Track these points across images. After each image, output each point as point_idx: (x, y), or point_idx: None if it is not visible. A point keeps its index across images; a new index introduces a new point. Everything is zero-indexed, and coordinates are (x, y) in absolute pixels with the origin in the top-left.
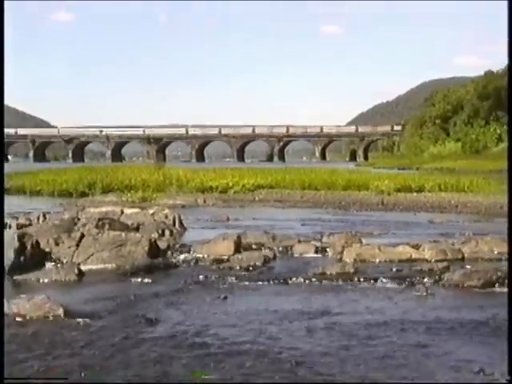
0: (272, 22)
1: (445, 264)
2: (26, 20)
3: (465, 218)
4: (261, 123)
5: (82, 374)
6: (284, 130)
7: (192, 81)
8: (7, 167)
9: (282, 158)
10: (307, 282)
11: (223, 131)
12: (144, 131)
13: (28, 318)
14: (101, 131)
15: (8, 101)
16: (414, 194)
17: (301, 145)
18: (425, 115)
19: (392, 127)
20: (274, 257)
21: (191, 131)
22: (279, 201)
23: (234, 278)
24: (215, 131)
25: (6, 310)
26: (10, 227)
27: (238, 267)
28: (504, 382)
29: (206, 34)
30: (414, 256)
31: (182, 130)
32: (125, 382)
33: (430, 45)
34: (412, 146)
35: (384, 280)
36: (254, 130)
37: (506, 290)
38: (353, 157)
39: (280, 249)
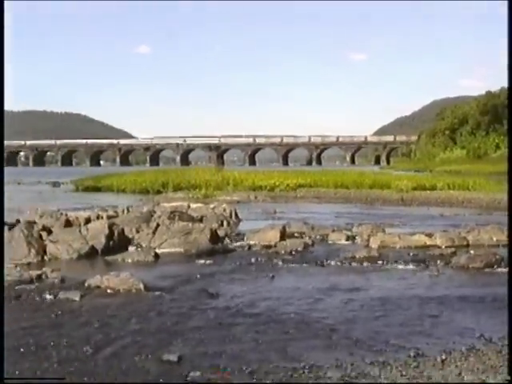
0: (309, 51)
1: (453, 249)
2: (115, 53)
3: (469, 211)
4: (299, 133)
5: (159, 337)
6: (320, 140)
7: (239, 97)
8: (99, 171)
9: (318, 162)
10: (340, 264)
11: (271, 140)
12: (219, 141)
13: (116, 290)
14: (184, 140)
15: (99, 116)
16: (428, 191)
17: (334, 151)
18: (436, 127)
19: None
20: (313, 243)
21: (248, 140)
22: (316, 197)
23: (279, 261)
24: (263, 140)
25: (99, 283)
26: (101, 218)
27: (283, 252)
28: (505, 382)
29: (250, 60)
30: (427, 243)
31: (240, 140)
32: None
33: (440, 69)
34: (426, 152)
35: (403, 263)
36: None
37: (503, 270)
38: (377, 161)
39: (317, 237)
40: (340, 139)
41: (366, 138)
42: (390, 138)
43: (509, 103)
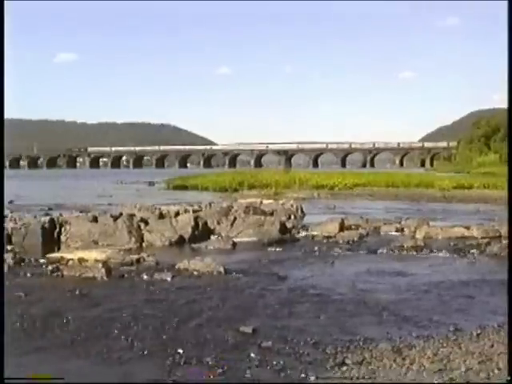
0: (365, 71)
1: (487, 240)
2: (200, 72)
3: (501, 207)
4: (353, 139)
5: (236, 312)
6: (372, 146)
7: (304, 110)
8: (186, 172)
9: (372, 164)
10: (390, 252)
11: (331, 146)
12: (297, 147)
13: (201, 272)
14: (267, 146)
15: (186, 126)
16: (466, 190)
17: (385, 155)
18: (473, 135)
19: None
20: (367, 234)
21: (314, 146)
22: (370, 195)
23: (338, 249)
24: (324, 146)
25: (187, 266)
26: (188, 211)
27: (341, 241)
28: (504, 382)
29: (311, 76)
30: (465, 234)
31: (302, 146)
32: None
33: (476, 85)
34: (464, 156)
35: (444, 251)
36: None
37: None
38: (422, 164)
39: (371, 229)
40: (392, 145)
41: (423, 144)
42: (443, 144)
43: (508, 103)
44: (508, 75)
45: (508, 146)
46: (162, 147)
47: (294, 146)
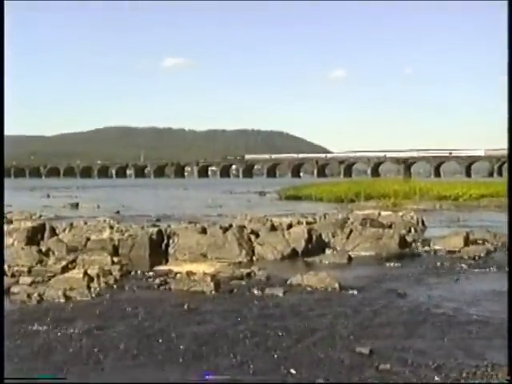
0: (486, 77)
1: None
2: (310, 78)
3: None
4: (477, 146)
5: (352, 331)
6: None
7: (425, 114)
8: (299, 181)
9: (499, 174)
10: None
11: (454, 153)
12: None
13: (314, 288)
14: (387, 154)
15: (300, 133)
16: None
17: None
18: None
19: None
20: (495, 249)
21: (430, 154)
22: (498, 206)
23: (463, 265)
24: (446, 154)
25: (299, 281)
26: (301, 223)
27: (466, 257)
28: (504, 382)
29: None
30: None
31: (422, 153)
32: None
33: None
34: None
35: None
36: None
37: None
38: None
39: (499, 243)
40: None
41: None
42: None
43: (508, 104)
44: (508, 76)
45: (508, 148)
46: (273, 155)
47: (413, 154)
